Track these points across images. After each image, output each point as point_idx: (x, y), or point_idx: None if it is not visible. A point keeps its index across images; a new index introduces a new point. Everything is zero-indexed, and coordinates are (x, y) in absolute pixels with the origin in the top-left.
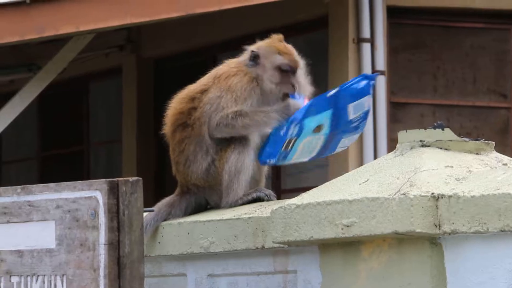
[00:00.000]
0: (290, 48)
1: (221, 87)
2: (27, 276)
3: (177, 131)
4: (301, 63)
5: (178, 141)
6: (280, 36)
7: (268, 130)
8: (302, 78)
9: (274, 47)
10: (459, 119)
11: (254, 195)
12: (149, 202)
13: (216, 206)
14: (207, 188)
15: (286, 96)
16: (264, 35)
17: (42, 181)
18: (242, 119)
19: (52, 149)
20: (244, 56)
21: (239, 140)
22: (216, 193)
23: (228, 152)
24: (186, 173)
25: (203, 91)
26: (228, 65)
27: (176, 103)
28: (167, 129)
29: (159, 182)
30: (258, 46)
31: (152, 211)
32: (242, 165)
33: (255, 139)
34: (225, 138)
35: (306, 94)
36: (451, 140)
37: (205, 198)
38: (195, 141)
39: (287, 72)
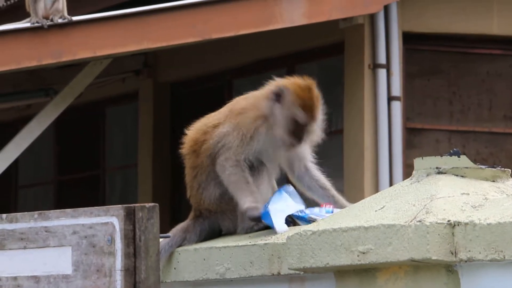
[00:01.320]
0: (314, 99)
1: (232, 123)
2: None
3: (191, 157)
4: (319, 115)
5: (191, 167)
6: (311, 83)
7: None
8: (315, 128)
9: (299, 98)
10: (475, 145)
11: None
12: (164, 226)
13: (228, 231)
14: (219, 213)
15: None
16: (279, 61)
17: (58, 205)
18: (231, 178)
19: (69, 174)
20: (267, 88)
21: (255, 166)
22: (229, 218)
23: None
24: (199, 198)
25: (216, 126)
26: (246, 99)
27: (192, 131)
28: (184, 151)
29: (174, 207)
30: (286, 85)
31: (168, 237)
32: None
33: (271, 165)
34: None
35: (313, 143)
36: (467, 167)
37: (217, 222)
38: (207, 171)
39: (300, 126)
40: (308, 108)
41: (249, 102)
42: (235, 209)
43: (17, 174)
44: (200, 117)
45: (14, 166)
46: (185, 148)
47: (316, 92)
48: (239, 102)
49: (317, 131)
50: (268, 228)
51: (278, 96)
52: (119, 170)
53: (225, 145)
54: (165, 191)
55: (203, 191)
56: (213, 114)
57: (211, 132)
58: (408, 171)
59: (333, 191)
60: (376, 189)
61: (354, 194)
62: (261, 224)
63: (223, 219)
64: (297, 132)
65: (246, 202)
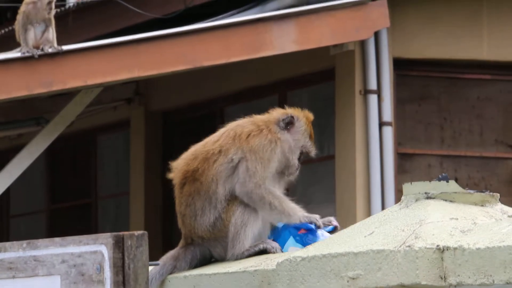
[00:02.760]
0: (312, 131)
1: (243, 148)
2: None
3: (186, 184)
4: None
5: (185, 194)
6: (311, 117)
7: (288, 221)
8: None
9: (309, 129)
10: (467, 169)
11: (261, 246)
12: (157, 254)
13: (220, 258)
14: (211, 240)
15: None
16: (271, 88)
17: (50, 234)
18: (273, 199)
19: (60, 202)
20: (275, 115)
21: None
22: (221, 245)
23: (236, 204)
24: (193, 226)
25: (221, 152)
26: (251, 123)
27: (185, 160)
28: (176, 180)
29: (166, 235)
30: (296, 114)
31: (158, 264)
32: (249, 218)
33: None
34: (234, 193)
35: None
36: (456, 192)
37: (209, 249)
38: (204, 197)
39: (302, 155)
40: (313, 139)
41: (257, 126)
42: (227, 235)
43: (9, 203)
44: (192, 144)
45: (5, 196)
46: (177, 177)
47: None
48: (243, 127)
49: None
50: (258, 254)
51: (291, 124)
52: (111, 198)
53: (248, 171)
54: (157, 219)
55: (198, 217)
56: (210, 140)
57: (216, 159)
58: (400, 196)
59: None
60: (368, 214)
61: (346, 219)
62: (252, 249)
63: (215, 246)
64: (301, 158)
65: (300, 218)
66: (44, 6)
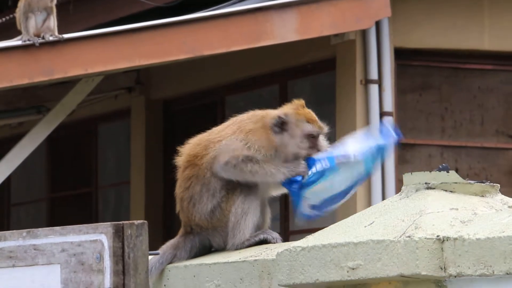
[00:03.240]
0: (313, 114)
1: (239, 137)
2: None
3: (187, 169)
4: (323, 125)
5: (185, 178)
6: (302, 102)
7: (274, 182)
8: (323, 139)
9: (302, 115)
10: (467, 160)
11: (261, 236)
12: (157, 244)
13: (219, 248)
14: (210, 229)
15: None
16: (271, 77)
17: (50, 223)
18: (252, 165)
19: (61, 191)
20: (267, 120)
21: (246, 183)
22: (220, 234)
23: (236, 194)
24: (190, 212)
25: (220, 141)
26: (254, 123)
27: (191, 145)
28: (179, 162)
29: (167, 224)
30: (285, 112)
31: (158, 254)
32: (250, 207)
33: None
34: (231, 181)
35: (325, 151)
36: (456, 183)
37: (208, 239)
38: (202, 182)
39: (314, 138)
40: (313, 119)
41: (258, 125)
42: (226, 225)
43: (10, 192)
44: (193, 133)
45: (6, 184)
46: (181, 160)
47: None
48: (247, 123)
49: (325, 143)
50: (259, 244)
51: (283, 124)
52: (111, 187)
53: (228, 150)
54: (158, 208)
55: (196, 203)
56: (215, 130)
57: (214, 146)
58: (401, 186)
59: None
60: (369, 204)
61: (346, 210)
62: (252, 239)
63: (214, 235)
64: (313, 144)
65: (284, 173)
66: None
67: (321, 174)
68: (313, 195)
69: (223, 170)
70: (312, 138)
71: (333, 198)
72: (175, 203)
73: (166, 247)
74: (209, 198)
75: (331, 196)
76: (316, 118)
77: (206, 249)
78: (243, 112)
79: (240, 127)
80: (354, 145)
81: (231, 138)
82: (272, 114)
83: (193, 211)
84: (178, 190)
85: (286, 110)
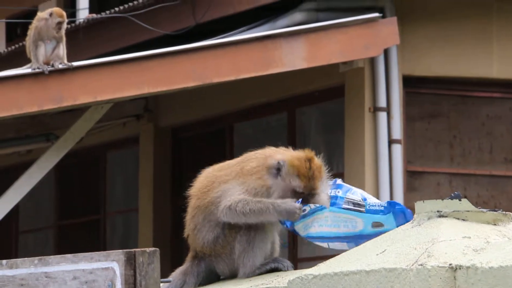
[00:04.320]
0: (313, 169)
1: (239, 181)
2: None
3: (194, 199)
4: (320, 183)
5: (192, 207)
6: (311, 154)
7: (267, 219)
8: (320, 193)
9: (296, 168)
10: (476, 188)
11: (272, 265)
12: (165, 270)
13: (223, 275)
14: (213, 256)
15: None
16: (280, 104)
17: (59, 250)
18: (243, 206)
19: (69, 218)
20: (268, 161)
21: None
22: (224, 262)
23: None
24: (194, 239)
25: (222, 181)
26: (256, 159)
27: (203, 176)
28: (191, 191)
29: (175, 251)
30: (285, 158)
31: (169, 281)
32: (256, 235)
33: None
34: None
35: (324, 204)
36: (468, 211)
37: (213, 265)
38: (204, 214)
39: (299, 193)
40: (305, 178)
41: (259, 164)
42: (231, 253)
43: (18, 219)
44: (201, 160)
45: (14, 211)
46: (193, 189)
47: (317, 162)
48: (250, 162)
49: (322, 197)
50: (270, 272)
51: (277, 170)
52: (120, 214)
53: (226, 197)
54: (166, 235)
55: (198, 232)
56: (226, 165)
57: (218, 185)
58: None
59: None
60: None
61: None
62: (263, 268)
63: (218, 262)
64: (298, 197)
65: (286, 207)
66: (54, 25)
67: (313, 211)
68: (303, 228)
69: (222, 215)
70: (296, 193)
71: (323, 237)
72: (183, 230)
73: (176, 274)
74: (211, 227)
75: (320, 234)
76: (314, 175)
77: (213, 274)
78: (251, 140)
79: (242, 167)
80: (370, 198)
81: (232, 183)
82: (276, 156)
83: (196, 238)
84: (187, 216)
85: (287, 157)
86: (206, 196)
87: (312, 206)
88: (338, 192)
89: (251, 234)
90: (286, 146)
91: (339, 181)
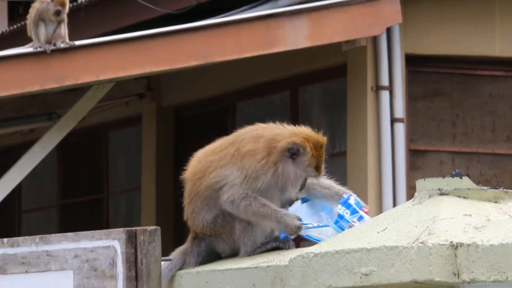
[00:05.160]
0: (323, 156)
1: (236, 165)
2: None
3: (189, 184)
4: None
5: (188, 192)
6: (324, 140)
7: (266, 224)
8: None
9: (315, 161)
10: (479, 166)
11: (274, 244)
12: (168, 249)
13: (223, 254)
14: (213, 235)
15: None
16: (282, 83)
17: (61, 229)
18: (245, 207)
19: (72, 197)
20: (282, 144)
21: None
22: (224, 241)
23: None
24: (193, 222)
25: (217, 166)
26: (255, 140)
27: (196, 161)
28: (185, 176)
29: (178, 230)
30: (304, 145)
31: (170, 260)
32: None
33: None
34: None
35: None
36: (469, 189)
37: (213, 244)
38: (201, 199)
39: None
40: (319, 167)
41: (259, 145)
42: (231, 232)
43: (20, 199)
44: (203, 139)
45: (17, 191)
46: (187, 174)
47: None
48: (247, 142)
49: (322, 180)
50: (271, 251)
51: (293, 154)
52: (122, 194)
53: (227, 184)
54: (169, 214)
55: (196, 215)
56: (218, 147)
57: (213, 169)
58: (411, 193)
59: (336, 187)
60: (380, 211)
61: None
62: (264, 247)
63: (218, 242)
64: (304, 183)
65: (286, 221)
66: (53, 12)
67: (317, 227)
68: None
69: (225, 206)
70: (304, 182)
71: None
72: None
73: (176, 254)
74: (209, 209)
75: (318, 239)
76: (323, 162)
77: (214, 253)
78: (254, 119)
79: (238, 148)
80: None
81: (229, 167)
82: (285, 137)
83: (195, 220)
84: (184, 200)
85: (305, 144)
86: (202, 181)
87: (315, 224)
88: (346, 213)
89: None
90: (288, 124)
91: (351, 199)
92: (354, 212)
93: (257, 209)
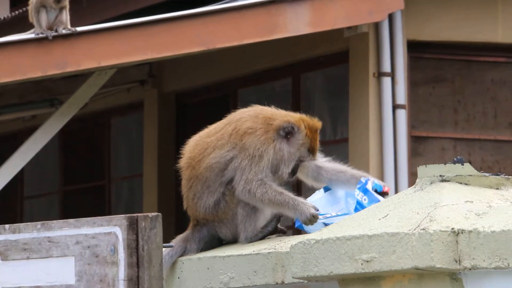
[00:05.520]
0: (318, 140)
1: (236, 144)
2: None
3: (187, 171)
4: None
5: (186, 178)
6: (319, 125)
7: (282, 212)
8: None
9: (308, 142)
10: (480, 153)
11: (273, 224)
12: (170, 236)
13: (226, 239)
14: (216, 221)
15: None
16: (284, 70)
17: (63, 215)
18: (262, 194)
19: (74, 184)
20: (277, 122)
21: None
22: (226, 226)
23: None
24: (195, 208)
25: (216, 146)
26: (253, 119)
27: (191, 147)
28: (181, 164)
29: (180, 216)
30: (298, 125)
31: (171, 246)
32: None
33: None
34: (231, 181)
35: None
36: (471, 175)
37: (215, 230)
38: (202, 182)
39: (302, 160)
40: (313, 149)
41: (257, 122)
42: (233, 218)
43: (23, 185)
44: (205, 126)
45: (19, 177)
46: (182, 161)
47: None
48: (245, 121)
49: (318, 161)
50: (272, 233)
51: (287, 133)
52: (124, 180)
53: (237, 169)
54: (171, 201)
55: (198, 200)
56: (213, 129)
57: (212, 150)
58: (413, 179)
59: (351, 171)
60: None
61: None
62: (265, 230)
63: (220, 227)
64: (297, 166)
65: (303, 209)
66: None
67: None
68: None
69: (244, 198)
70: (297, 165)
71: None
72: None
73: (176, 241)
74: (210, 193)
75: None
76: (318, 145)
77: (215, 240)
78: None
79: (236, 127)
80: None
81: (228, 147)
82: (281, 116)
83: (197, 206)
84: (183, 189)
85: (300, 124)
86: (201, 163)
87: (334, 213)
88: (364, 200)
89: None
90: (292, 111)
91: (369, 183)
92: (372, 199)
93: (273, 197)
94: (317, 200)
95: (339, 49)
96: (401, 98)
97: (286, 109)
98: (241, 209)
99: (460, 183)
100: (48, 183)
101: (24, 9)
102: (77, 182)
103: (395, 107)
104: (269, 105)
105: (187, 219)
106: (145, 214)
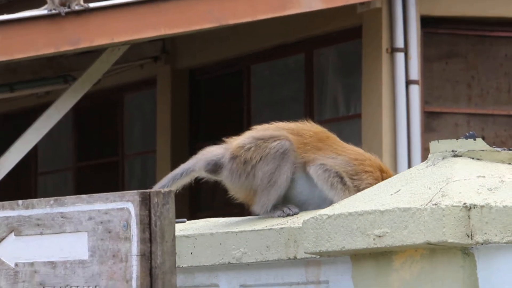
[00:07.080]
0: None
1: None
2: (60, 287)
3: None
4: None
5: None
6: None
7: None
8: None
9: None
10: (494, 128)
11: (283, 210)
12: (184, 212)
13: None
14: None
15: None
16: (297, 46)
17: (77, 191)
18: (337, 182)
19: (88, 160)
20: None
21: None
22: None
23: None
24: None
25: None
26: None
27: (241, 141)
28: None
29: (193, 192)
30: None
31: (184, 221)
32: (277, 180)
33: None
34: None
35: None
36: (483, 150)
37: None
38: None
39: None
40: None
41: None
42: (253, 178)
43: (36, 161)
44: (218, 102)
45: (33, 153)
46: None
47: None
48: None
49: None
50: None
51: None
52: (137, 156)
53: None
54: None
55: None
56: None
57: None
58: (426, 155)
59: None
60: (395, 172)
61: None
62: (273, 213)
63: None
64: None
65: None
66: None
67: None
68: None
69: (313, 172)
70: None
71: None
72: None
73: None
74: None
75: None
76: None
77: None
78: (268, 82)
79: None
80: None
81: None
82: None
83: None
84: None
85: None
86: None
87: None
88: None
89: (272, 177)
90: (305, 86)
91: None
92: None
93: (343, 186)
94: None
95: (352, 25)
96: (415, 74)
97: (299, 85)
98: (259, 180)
99: (472, 158)
100: (61, 159)
101: None
102: (90, 158)
103: (408, 82)
104: (284, 82)
105: (201, 194)
106: (157, 190)
